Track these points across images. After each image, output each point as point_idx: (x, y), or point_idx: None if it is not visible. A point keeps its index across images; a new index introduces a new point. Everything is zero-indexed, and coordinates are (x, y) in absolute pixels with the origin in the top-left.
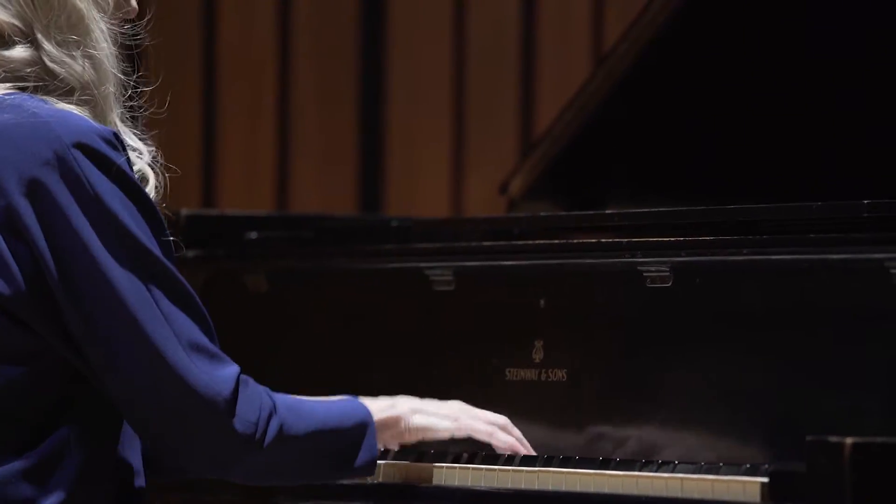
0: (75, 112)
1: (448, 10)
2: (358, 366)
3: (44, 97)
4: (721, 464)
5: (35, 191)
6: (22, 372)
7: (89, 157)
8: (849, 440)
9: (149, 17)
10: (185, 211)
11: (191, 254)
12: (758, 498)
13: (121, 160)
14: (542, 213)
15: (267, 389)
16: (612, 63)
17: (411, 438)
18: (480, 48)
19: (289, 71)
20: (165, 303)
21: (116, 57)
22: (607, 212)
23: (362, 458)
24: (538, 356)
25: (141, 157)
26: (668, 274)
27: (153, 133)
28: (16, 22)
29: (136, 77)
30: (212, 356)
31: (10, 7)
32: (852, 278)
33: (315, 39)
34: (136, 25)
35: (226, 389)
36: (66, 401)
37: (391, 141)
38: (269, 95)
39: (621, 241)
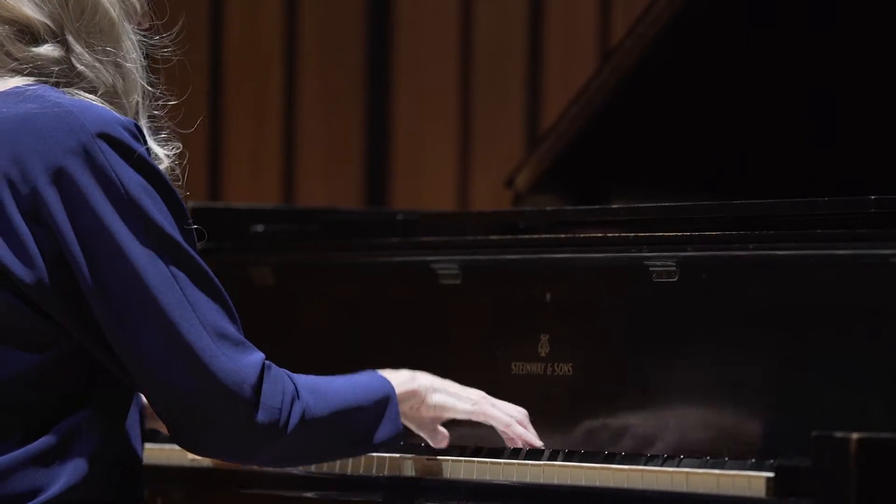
0: (97, 103)
1: (455, 6)
2: (363, 359)
3: (65, 90)
4: (726, 458)
5: (60, 179)
6: (38, 360)
7: (113, 146)
8: (854, 436)
9: (176, 28)
10: (191, 203)
11: (197, 247)
12: (763, 493)
13: (143, 149)
14: (549, 208)
15: (288, 372)
16: (618, 58)
17: (428, 414)
18: (487, 43)
19: (296, 64)
20: (190, 289)
21: (145, 68)
22: (613, 206)
23: (385, 431)
24: (544, 350)
25: (161, 164)
26: (674, 269)
27: (164, 133)
28: (48, 21)
29: (162, 90)
30: (237, 343)
31: (44, 7)
32: (858, 274)
33: (322, 33)
34: (158, 37)
35: (251, 376)
36: (79, 390)
37: (397, 134)
38: (276, 89)
39: (628, 236)
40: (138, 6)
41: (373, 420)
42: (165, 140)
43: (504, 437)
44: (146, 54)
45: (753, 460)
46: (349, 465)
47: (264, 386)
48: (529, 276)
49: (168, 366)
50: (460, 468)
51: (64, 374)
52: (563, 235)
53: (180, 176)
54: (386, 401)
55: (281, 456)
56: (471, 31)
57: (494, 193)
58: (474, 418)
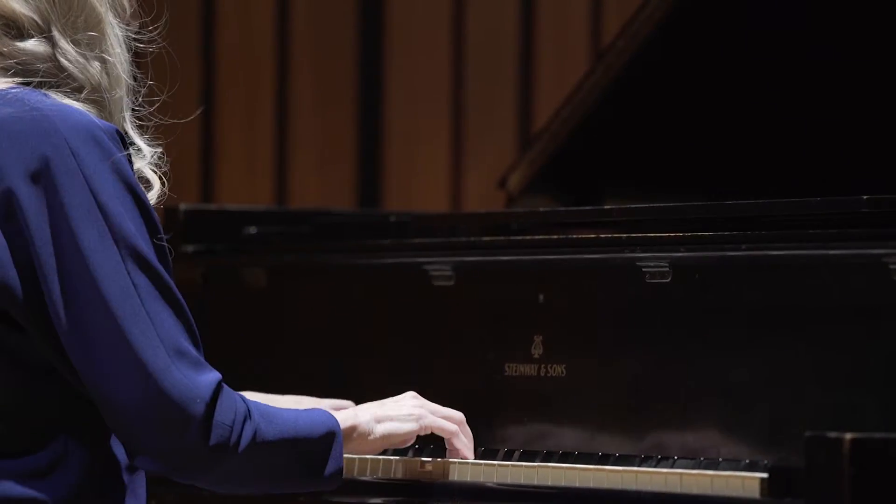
0: (78, 107)
1: (446, 6)
2: (356, 361)
3: (47, 91)
4: (720, 459)
5: (33, 182)
6: (22, 372)
7: (89, 150)
8: (847, 436)
9: (161, 23)
10: (184, 206)
11: (190, 248)
12: (757, 493)
13: (120, 157)
14: (541, 209)
15: (242, 395)
16: (610, 58)
17: (375, 446)
18: (479, 43)
19: (288, 65)
20: (151, 302)
21: (129, 63)
22: (606, 207)
23: (331, 467)
24: (537, 351)
25: (144, 159)
26: (666, 269)
27: (155, 134)
28: (34, 16)
29: (146, 84)
30: (194, 362)
31: (30, 2)
32: (851, 274)
33: (314, 33)
34: (147, 32)
35: (204, 394)
36: (68, 403)
37: (390, 136)
38: (269, 90)
39: (620, 237)
40: (126, 4)
41: (320, 453)
42: (152, 137)
43: (449, 446)
44: (137, 52)
45: (747, 461)
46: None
47: (217, 404)
48: (522, 277)
49: (120, 378)
50: (453, 470)
51: (50, 387)
52: (555, 236)
53: (168, 173)
54: (332, 436)
55: (230, 477)
56: (463, 32)
57: (487, 194)
58: (422, 433)
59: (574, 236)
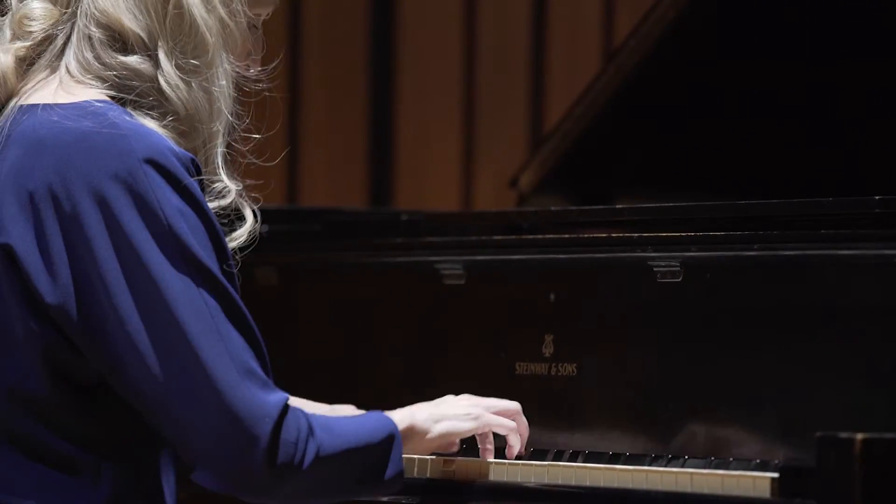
0: (156, 130)
1: (458, 6)
2: (367, 359)
3: (133, 111)
4: (731, 459)
5: (101, 201)
6: (66, 389)
7: (160, 173)
8: (859, 436)
9: (275, 64)
10: None
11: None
12: (768, 493)
13: (192, 182)
14: (552, 208)
15: (302, 410)
16: (622, 58)
17: (433, 445)
18: (491, 43)
19: (299, 65)
20: (222, 321)
21: (233, 99)
22: (617, 206)
23: (391, 471)
24: (548, 350)
25: (230, 195)
26: (678, 269)
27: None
28: (141, 33)
29: (246, 123)
30: (263, 382)
31: (140, 18)
32: (863, 274)
33: (325, 32)
34: (262, 72)
35: (273, 413)
36: (107, 428)
37: (401, 135)
38: (280, 89)
39: (631, 236)
40: (240, 40)
41: (381, 458)
42: (241, 176)
43: (480, 445)
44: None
45: (758, 461)
46: None
47: (284, 424)
48: (533, 276)
49: (190, 394)
50: (463, 469)
51: (90, 408)
52: (566, 236)
53: (257, 212)
54: (391, 439)
55: (296, 493)
56: (474, 32)
57: (498, 194)
58: (480, 432)
59: (585, 235)
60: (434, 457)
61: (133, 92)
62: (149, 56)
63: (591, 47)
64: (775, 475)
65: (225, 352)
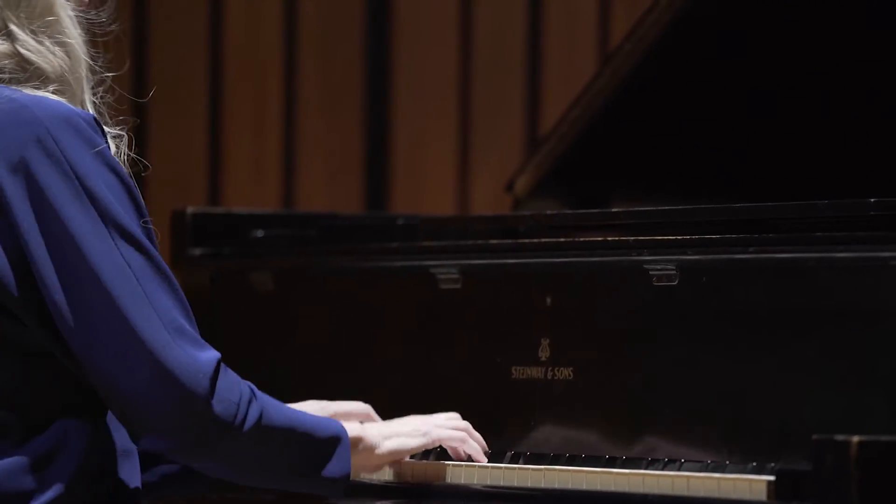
0: (52, 97)
1: (454, 9)
2: (364, 364)
3: (17, 87)
4: (727, 462)
5: (17, 171)
6: (14, 363)
7: (70, 136)
8: (855, 439)
9: (109, 2)
10: (191, 209)
11: (197, 252)
12: (764, 496)
13: (100, 140)
14: (548, 212)
15: (245, 381)
16: (618, 61)
17: (381, 461)
18: (486, 46)
19: (295, 69)
20: (147, 281)
21: (86, 42)
22: (613, 210)
23: (334, 468)
24: (544, 354)
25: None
26: (674, 272)
27: (163, 137)
28: None
29: (104, 59)
30: (193, 340)
31: None
32: (858, 277)
33: (321, 37)
34: (100, 12)
35: (207, 370)
36: (66, 389)
37: (397, 139)
38: (276, 94)
39: (627, 240)
40: None
41: (323, 452)
42: (161, 140)
43: (453, 453)
44: (141, 41)
45: (754, 464)
46: None
47: (220, 380)
48: (529, 280)
49: (122, 357)
50: (461, 473)
51: (46, 373)
52: (563, 239)
53: (126, 156)
54: (337, 440)
55: (233, 460)
56: (470, 36)
57: (494, 197)
58: (430, 447)
59: (581, 239)
60: (419, 461)
61: (5, 72)
62: (5, 35)
63: (586, 51)
64: (772, 478)
65: (153, 312)
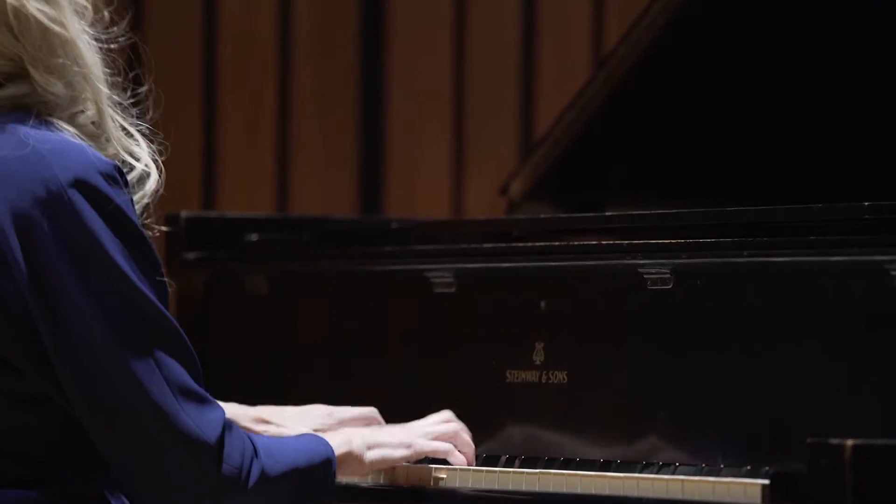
0: (75, 141)
1: (448, 13)
2: (358, 368)
3: (46, 118)
4: (722, 466)
5: (26, 228)
6: (22, 409)
7: (85, 195)
8: (849, 442)
9: (127, 18)
10: (185, 213)
11: (191, 256)
12: (758, 500)
13: (119, 198)
14: (543, 215)
15: (245, 432)
16: (612, 65)
17: (366, 471)
18: (480, 50)
19: (289, 73)
20: (155, 347)
21: (104, 62)
22: (608, 214)
23: (328, 489)
24: (539, 358)
25: (143, 150)
26: (668, 276)
27: (157, 140)
28: (5, 64)
29: (132, 75)
30: (199, 400)
31: None
32: (853, 280)
33: (315, 41)
34: (118, 26)
35: (213, 434)
36: (68, 439)
37: (391, 143)
38: (270, 97)
39: (622, 244)
40: (85, 2)
41: (320, 481)
42: (144, 126)
43: (449, 462)
44: (135, 51)
45: (749, 467)
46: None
47: (226, 443)
48: (524, 283)
49: (130, 424)
50: (455, 477)
51: (49, 422)
52: (557, 243)
53: (163, 171)
54: (329, 463)
55: None
56: (464, 39)
57: (488, 201)
58: (414, 459)
59: (575, 243)
60: (413, 464)
61: (32, 109)
62: (22, 78)
63: (581, 54)
64: (766, 482)
65: (160, 378)
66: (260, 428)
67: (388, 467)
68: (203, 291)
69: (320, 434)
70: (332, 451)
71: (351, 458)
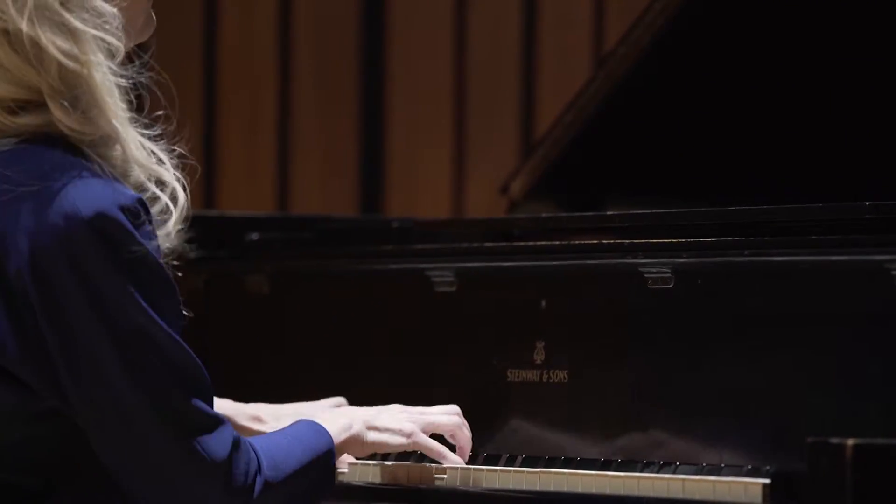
0: (99, 174)
1: (448, 12)
2: (359, 367)
3: (74, 147)
4: (723, 465)
5: (44, 259)
6: (28, 423)
7: (105, 230)
8: (850, 441)
9: (150, 52)
10: None
11: (192, 255)
12: (759, 499)
13: (139, 233)
14: (543, 215)
15: (250, 443)
16: (612, 64)
17: (364, 453)
18: (481, 49)
19: (290, 72)
20: (170, 381)
21: (123, 95)
22: (608, 213)
23: (330, 483)
24: (539, 357)
25: (167, 170)
26: (669, 275)
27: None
28: (20, 94)
29: (132, 75)
30: (211, 427)
31: (12, 82)
32: (853, 280)
33: (316, 40)
34: (141, 67)
35: (222, 455)
36: (78, 455)
37: (392, 142)
38: (271, 97)
39: (622, 243)
40: (115, 42)
41: (322, 474)
42: (170, 150)
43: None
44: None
45: (749, 467)
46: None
47: (233, 463)
48: (524, 283)
49: (143, 457)
50: (456, 476)
51: (56, 445)
52: (557, 242)
53: (187, 189)
54: (330, 454)
55: None
56: (465, 39)
57: (489, 201)
58: (409, 450)
59: (576, 242)
60: (413, 463)
61: (53, 134)
62: (39, 107)
63: (581, 54)
64: (767, 481)
65: (177, 413)
66: (256, 426)
67: (382, 451)
68: (203, 291)
69: (322, 418)
70: (332, 442)
71: (351, 441)
